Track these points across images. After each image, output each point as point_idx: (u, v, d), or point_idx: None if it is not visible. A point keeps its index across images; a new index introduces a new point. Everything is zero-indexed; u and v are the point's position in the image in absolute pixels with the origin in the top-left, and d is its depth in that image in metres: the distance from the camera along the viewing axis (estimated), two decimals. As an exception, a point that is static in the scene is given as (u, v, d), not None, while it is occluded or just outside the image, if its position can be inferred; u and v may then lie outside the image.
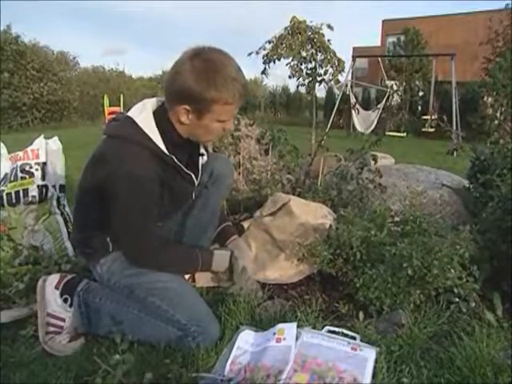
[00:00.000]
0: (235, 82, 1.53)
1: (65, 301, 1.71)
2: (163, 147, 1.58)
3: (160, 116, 1.61)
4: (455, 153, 8.59)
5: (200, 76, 1.50)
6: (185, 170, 1.69)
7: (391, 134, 14.23)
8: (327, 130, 8.93)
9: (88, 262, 1.79)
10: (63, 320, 1.69)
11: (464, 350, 1.50)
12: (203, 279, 1.99)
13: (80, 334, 1.70)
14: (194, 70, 1.50)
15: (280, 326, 1.56)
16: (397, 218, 2.16)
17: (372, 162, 2.87)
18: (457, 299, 1.82)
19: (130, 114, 1.61)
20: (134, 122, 1.57)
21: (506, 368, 1.42)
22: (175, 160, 1.62)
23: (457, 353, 1.51)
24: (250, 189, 2.95)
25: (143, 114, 1.60)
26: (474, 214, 2.66)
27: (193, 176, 1.75)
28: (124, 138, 1.55)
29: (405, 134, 14.90)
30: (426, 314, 1.73)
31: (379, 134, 2.88)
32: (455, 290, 1.82)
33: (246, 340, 1.55)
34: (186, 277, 1.95)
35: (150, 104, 1.64)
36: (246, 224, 2.42)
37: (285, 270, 2.13)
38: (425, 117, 15.10)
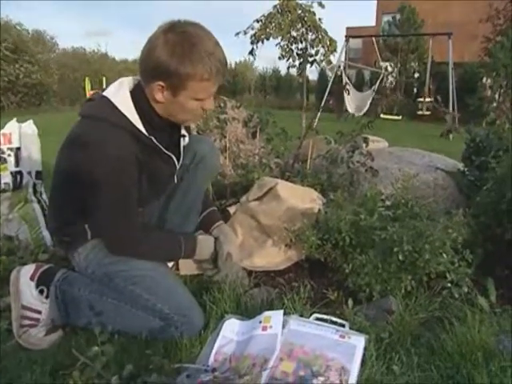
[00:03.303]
0: (212, 56, 1.50)
1: (41, 292, 1.68)
2: (141, 128, 1.56)
3: (137, 95, 1.58)
4: (451, 136, 8.61)
5: (174, 50, 1.46)
6: (165, 151, 1.66)
7: (385, 117, 14.24)
8: (318, 112, 8.90)
9: (66, 251, 1.78)
10: (39, 312, 1.67)
11: (455, 336, 1.53)
12: (187, 267, 1.99)
13: (57, 326, 1.69)
14: (167, 43, 1.47)
15: (266, 313, 1.57)
16: (388, 202, 2.17)
17: (363, 145, 2.87)
18: (449, 284, 1.83)
19: (105, 93, 1.58)
20: (110, 101, 1.54)
21: (497, 354, 1.45)
22: (155, 141, 1.60)
23: (448, 339, 1.53)
24: (236, 173, 2.95)
25: (120, 93, 1.57)
26: (469, 197, 2.68)
27: (174, 158, 1.73)
28: (100, 119, 1.52)
29: (399, 117, 14.93)
30: (417, 300, 1.74)
31: (372, 117, 2.86)
32: (448, 276, 1.83)
33: (231, 329, 1.56)
34: (170, 264, 1.95)
35: (126, 83, 1.61)
36: (232, 209, 2.43)
37: (272, 257, 2.14)
38: (420, 99, 15.10)
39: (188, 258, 1.85)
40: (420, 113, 14.18)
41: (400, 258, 1.77)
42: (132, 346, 1.56)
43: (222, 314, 1.69)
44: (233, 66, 30.54)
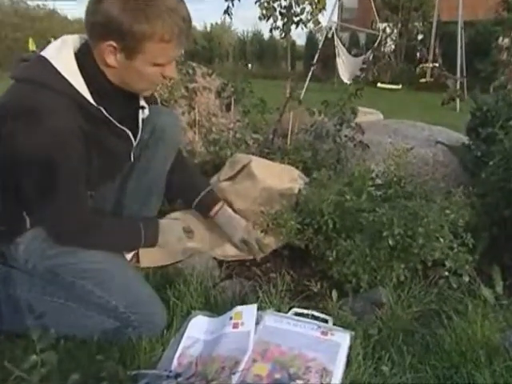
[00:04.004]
0: (174, 13, 1.43)
1: None
2: (88, 96, 1.50)
3: (84, 57, 1.50)
4: (457, 106, 8.63)
5: (128, 4, 1.39)
6: (117, 125, 1.61)
7: (382, 86, 14.24)
8: (306, 81, 8.86)
9: (0, 243, 1.69)
10: None
11: (454, 331, 1.53)
12: (149, 258, 1.97)
13: None
14: None
15: (238, 308, 1.57)
16: (379, 181, 2.17)
17: (352, 117, 2.86)
18: (447, 273, 1.85)
19: (44, 53, 1.50)
20: (49, 63, 1.46)
21: (502, 352, 1.45)
22: (104, 113, 1.54)
23: (445, 335, 1.53)
24: (207, 151, 2.93)
25: (62, 54, 1.49)
26: (474, 174, 2.67)
27: (129, 133, 1.68)
28: (36, 84, 1.44)
29: (399, 87, 14.94)
30: (411, 292, 1.75)
31: (361, 84, 2.84)
32: (446, 263, 1.84)
33: (198, 327, 1.56)
34: (129, 256, 1.94)
35: (70, 41, 1.53)
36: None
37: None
38: (425, 65, 15.04)
39: (150, 246, 1.83)
40: (423, 80, 14.16)
41: (390, 243, 1.77)
42: (80, 352, 1.54)
43: (187, 311, 1.68)
44: (208, 28, 30.33)
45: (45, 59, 1.48)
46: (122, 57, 1.47)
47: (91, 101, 1.51)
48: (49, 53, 1.50)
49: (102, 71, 1.53)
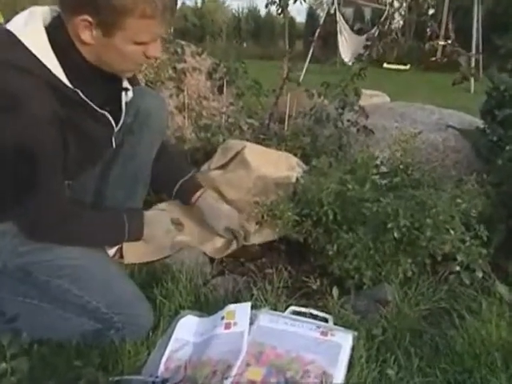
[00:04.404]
0: None
1: None
2: (63, 77, 1.46)
3: (55, 32, 1.45)
4: (471, 87, 8.59)
5: None
6: (96, 108, 1.58)
7: (389, 66, 14.19)
8: (306, 62, 8.85)
9: None
10: None
11: (466, 332, 1.53)
12: (133, 253, 1.97)
13: None
14: None
15: (230, 307, 1.56)
16: (384, 168, 2.17)
17: (356, 100, 2.85)
18: (458, 268, 1.84)
19: (10, 26, 1.45)
20: (16, 38, 1.41)
21: (521, 354, 1.44)
22: (81, 95, 1.51)
23: (457, 336, 1.53)
24: (198, 137, 2.92)
25: (30, 28, 1.44)
26: (488, 161, 2.65)
27: (109, 117, 1.66)
28: (2, 62, 1.40)
29: (407, 67, 14.90)
30: (419, 288, 1.75)
31: (368, 63, 2.82)
32: (458, 258, 1.84)
33: (187, 328, 1.55)
34: (111, 252, 1.93)
35: (40, 14, 1.48)
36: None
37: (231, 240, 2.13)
38: (436, 42, 14.93)
39: (135, 240, 1.80)
40: (433, 58, 14.08)
41: (395, 235, 1.76)
42: (56, 358, 1.51)
43: (176, 311, 1.68)
44: (199, 4, 30.19)
45: (11, 34, 1.42)
46: (98, 33, 1.43)
47: (66, 82, 1.46)
48: (15, 26, 1.44)
49: (77, 49, 1.48)
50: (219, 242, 2.11)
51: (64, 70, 1.46)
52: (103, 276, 1.63)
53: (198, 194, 2.05)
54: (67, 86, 1.47)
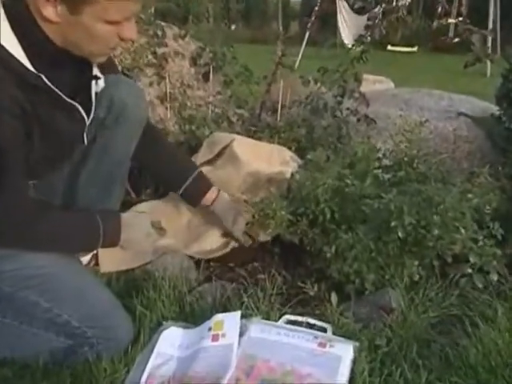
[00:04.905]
0: None
1: None
2: (25, 60, 1.42)
3: (14, 7, 1.43)
4: (487, 70, 8.57)
5: None
6: (65, 98, 1.56)
7: (394, 49, 14.20)
8: (303, 45, 8.87)
9: None
10: None
11: (480, 342, 1.52)
12: (111, 260, 1.96)
13: None
14: None
15: (218, 317, 1.57)
16: (386, 161, 2.17)
17: (356, 86, 2.86)
18: (470, 270, 1.84)
19: None
20: None
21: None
22: (46, 81, 1.47)
23: (470, 346, 1.52)
24: (182, 130, 2.92)
25: None
26: (505, 152, 2.66)
27: (80, 108, 1.64)
28: None
29: (414, 49, 14.90)
30: (427, 294, 1.75)
31: (370, 45, 2.81)
32: (470, 259, 1.84)
33: (171, 341, 1.55)
34: (85, 259, 1.93)
35: None
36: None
37: (228, 240, 2.14)
38: (450, 20, 14.86)
39: (110, 245, 1.77)
40: (443, 38, 14.03)
41: (400, 235, 1.77)
42: (21, 380, 1.50)
43: (158, 322, 1.67)
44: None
45: None
46: (63, 9, 1.38)
47: (28, 65, 1.43)
48: None
49: (40, 28, 1.44)
50: (207, 243, 2.12)
51: (25, 52, 1.42)
52: (75, 286, 1.60)
53: (213, 195, 2.08)
54: (29, 70, 1.43)
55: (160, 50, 3.04)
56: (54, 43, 1.48)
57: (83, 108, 1.66)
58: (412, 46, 15.05)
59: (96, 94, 1.72)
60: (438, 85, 6.44)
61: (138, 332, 1.62)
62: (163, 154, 2.08)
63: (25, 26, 1.42)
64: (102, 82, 1.73)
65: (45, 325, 1.55)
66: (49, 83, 1.48)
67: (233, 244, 2.13)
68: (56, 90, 1.51)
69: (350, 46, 2.97)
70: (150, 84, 3.03)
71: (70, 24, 1.42)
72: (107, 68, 1.77)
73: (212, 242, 2.14)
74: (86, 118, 1.69)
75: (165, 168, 2.10)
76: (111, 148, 1.89)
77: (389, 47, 14.06)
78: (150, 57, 2.99)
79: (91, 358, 1.52)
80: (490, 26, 11.08)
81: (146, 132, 1.98)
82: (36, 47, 1.45)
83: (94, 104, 1.72)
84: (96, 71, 1.69)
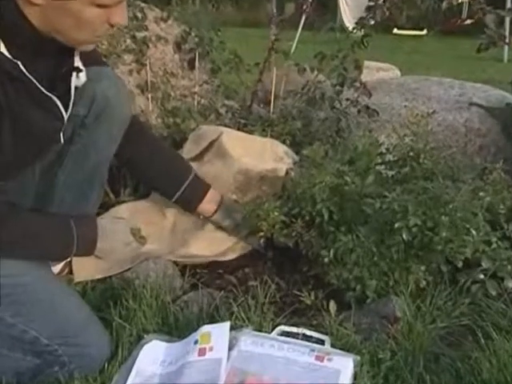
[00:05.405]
0: None
1: None
2: (1, 46, 1.43)
3: None
4: (504, 55, 8.53)
5: None
6: (42, 90, 1.55)
7: (401, 32, 14.17)
8: (299, 29, 8.85)
9: None
10: None
11: (495, 354, 1.51)
12: (86, 268, 1.96)
13: None
14: None
15: (205, 328, 1.58)
16: (390, 157, 2.18)
17: (357, 74, 2.87)
18: (482, 276, 1.85)
19: None
20: None
21: None
22: (22, 69, 1.47)
23: (483, 359, 1.51)
24: (165, 123, 2.93)
25: None
26: (523, 146, 2.68)
27: (58, 103, 1.63)
28: None
29: (423, 32, 14.88)
30: (435, 302, 1.75)
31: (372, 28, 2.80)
32: (482, 264, 1.85)
33: (153, 357, 1.56)
34: (58, 267, 1.93)
35: None
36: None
37: (216, 244, 2.17)
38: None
39: (85, 254, 1.81)
40: (454, 20, 14.02)
41: (404, 237, 1.77)
42: None
43: (138, 335, 1.67)
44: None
45: None
46: None
47: (3, 50, 1.43)
48: None
49: (20, 11, 1.43)
50: (198, 249, 2.14)
51: (2, 37, 1.43)
52: (45, 298, 1.59)
53: (209, 203, 2.13)
54: (5, 57, 1.44)
55: (140, 35, 3.02)
56: (35, 28, 1.46)
57: (61, 103, 1.64)
58: (420, 29, 15.02)
59: (76, 88, 1.71)
60: (448, 72, 6.45)
61: (115, 347, 1.62)
62: (146, 149, 2.10)
63: (2, 7, 1.42)
64: (83, 75, 1.71)
65: (9, 343, 1.53)
66: (25, 71, 1.47)
67: (236, 251, 2.15)
68: (33, 79, 1.50)
69: (350, 29, 2.96)
70: (129, 72, 3.02)
71: (55, 7, 1.41)
72: (91, 59, 1.76)
73: (199, 247, 2.15)
74: (64, 113, 1.67)
75: (150, 167, 2.12)
76: (91, 149, 1.88)
77: (395, 30, 14.02)
78: (128, 42, 2.97)
79: (62, 378, 1.50)
80: (508, 4, 11.06)
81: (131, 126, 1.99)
82: (14, 31, 1.44)
83: (72, 99, 1.70)
84: (78, 62, 1.68)
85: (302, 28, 9.74)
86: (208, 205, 2.15)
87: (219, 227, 2.19)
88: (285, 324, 1.68)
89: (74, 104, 1.71)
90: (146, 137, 2.13)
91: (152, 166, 2.12)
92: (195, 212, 2.17)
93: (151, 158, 2.12)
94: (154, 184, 2.25)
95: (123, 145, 1.97)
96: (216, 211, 2.14)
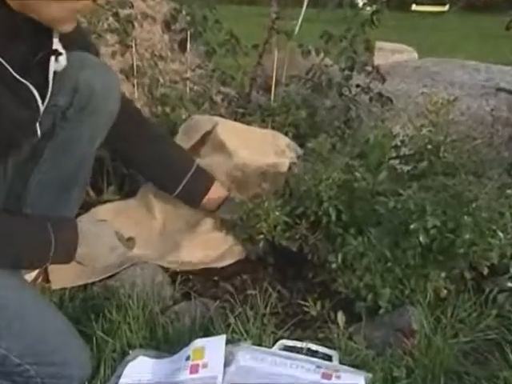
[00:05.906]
0: None
1: None
2: None
3: None
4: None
5: None
6: (15, 76, 1.53)
7: (419, 9, 14.16)
8: (304, 6, 8.84)
9: None
10: None
11: (526, 374, 1.51)
12: (64, 275, 1.96)
13: None
14: None
15: (198, 343, 1.58)
16: (405, 150, 2.18)
17: (368, 57, 2.87)
18: (510, 284, 1.86)
19: None
20: None
21: None
22: None
23: (512, 379, 1.51)
24: (153, 112, 2.93)
25: None
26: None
27: (34, 92, 1.62)
28: None
29: (445, 9, 14.86)
30: (457, 313, 1.75)
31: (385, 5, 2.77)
32: (511, 270, 1.86)
33: (139, 375, 1.55)
34: (32, 275, 1.94)
35: None
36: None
37: (211, 248, 2.18)
38: None
39: (64, 261, 1.74)
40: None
41: (422, 240, 1.77)
42: None
43: (123, 351, 1.67)
44: None
45: None
46: None
47: None
48: None
49: None
50: (190, 255, 2.15)
51: None
52: (15, 310, 1.54)
53: (215, 197, 2.15)
54: None
55: (124, 12, 3.00)
56: (8, 5, 1.46)
57: (37, 91, 1.63)
58: (442, 5, 15.01)
59: (55, 73, 1.69)
60: (473, 54, 6.44)
61: (97, 364, 1.61)
62: (143, 138, 2.10)
63: None
64: (63, 59, 1.69)
65: None
66: None
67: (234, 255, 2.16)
68: (5, 64, 1.49)
69: (361, 5, 2.95)
70: (112, 55, 3.00)
71: None
72: (74, 43, 1.75)
73: (192, 251, 2.16)
74: (40, 103, 1.66)
75: (147, 158, 2.12)
76: (73, 145, 1.88)
77: (414, 7, 14.02)
78: (110, 20, 2.95)
79: None
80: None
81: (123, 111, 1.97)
82: None
83: (50, 86, 1.69)
84: (57, 45, 1.66)
85: (307, 5, 9.75)
86: (213, 199, 2.16)
87: (216, 227, 2.20)
88: (287, 337, 1.68)
89: (52, 93, 1.69)
90: (142, 124, 2.13)
91: (149, 157, 2.12)
92: (199, 208, 2.18)
93: (148, 148, 2.12)
94: (153, 176, 2.25)
95: (116, 134, 1.98)
96: (220, 206, 2.16)
